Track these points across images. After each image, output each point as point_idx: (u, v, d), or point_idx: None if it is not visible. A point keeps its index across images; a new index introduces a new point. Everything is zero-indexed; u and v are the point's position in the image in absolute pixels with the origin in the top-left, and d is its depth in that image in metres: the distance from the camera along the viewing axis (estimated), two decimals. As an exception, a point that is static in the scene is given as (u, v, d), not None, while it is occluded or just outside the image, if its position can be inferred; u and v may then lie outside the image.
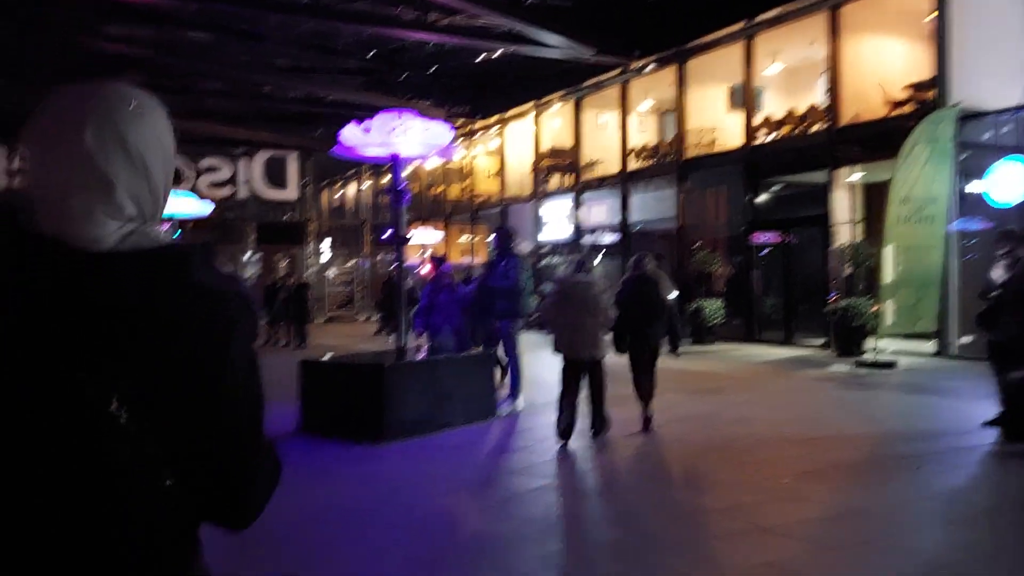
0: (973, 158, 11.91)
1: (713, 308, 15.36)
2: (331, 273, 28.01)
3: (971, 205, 12.11)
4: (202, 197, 20.59)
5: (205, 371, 1.00)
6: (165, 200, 1.11)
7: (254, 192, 24.89)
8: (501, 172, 24.49)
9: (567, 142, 21.69)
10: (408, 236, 7.18)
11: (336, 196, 36.95)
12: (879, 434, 7.00)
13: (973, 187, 12.34)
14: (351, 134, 6.50)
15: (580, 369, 6.51)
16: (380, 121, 6.49)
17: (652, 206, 18.80)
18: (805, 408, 8.43)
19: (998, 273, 6.78)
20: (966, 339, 12.32)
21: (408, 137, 7.02)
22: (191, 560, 1.07)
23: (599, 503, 5.15)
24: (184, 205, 14.24)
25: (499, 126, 24.38)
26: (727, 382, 10.56)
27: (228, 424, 1.03)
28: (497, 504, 5.19)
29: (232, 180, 24.59)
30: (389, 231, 7.44)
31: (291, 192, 25.54)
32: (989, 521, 4.61)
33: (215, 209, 21.35)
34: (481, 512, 4.99)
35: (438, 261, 8.29)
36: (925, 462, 5.73)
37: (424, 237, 23.89)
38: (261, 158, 24.91)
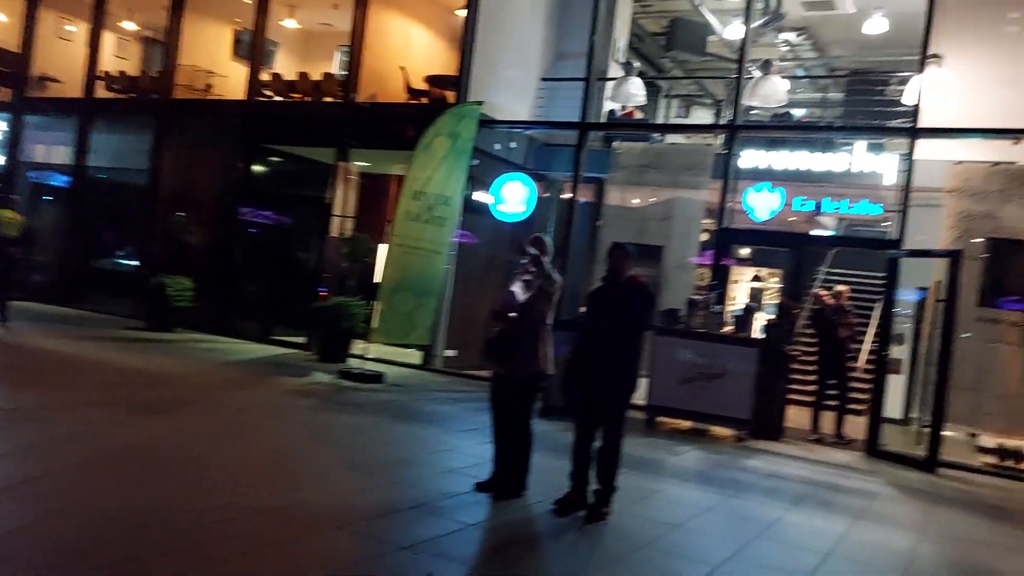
0: (480, 166, 11.43)
1: (179, 287, 12.30)
2: None
3: (472, 213, 11.68)
4: None
5: None
6: None
7: None
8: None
9: (12, 44, 16.11)
10: None
11: None
12: (374, 505, 5.05)
13: (477, 196, 12.00)
14: None
15: None
16: None
17: (123, 150, 14.91)
18: (279, 441, 6.27)
19: (518, 289, 5.56)
20: (450, 352, 11.82)
21: None
22: None
23: None
24: None
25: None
26: (182, 392, 7.86)
27: None
28: None
29: None
30: None
31: None
32: None
33: None
34: None
35: None
36: (433, 567, 4.01)
37: None
38: None
